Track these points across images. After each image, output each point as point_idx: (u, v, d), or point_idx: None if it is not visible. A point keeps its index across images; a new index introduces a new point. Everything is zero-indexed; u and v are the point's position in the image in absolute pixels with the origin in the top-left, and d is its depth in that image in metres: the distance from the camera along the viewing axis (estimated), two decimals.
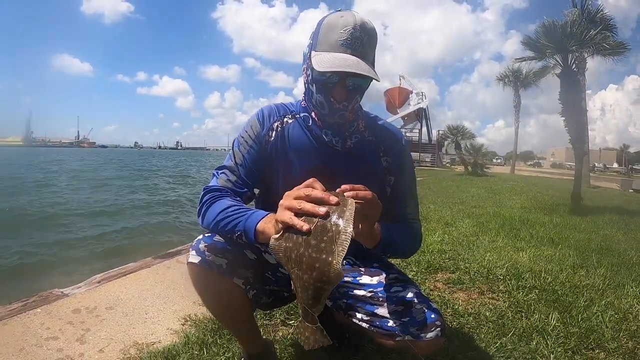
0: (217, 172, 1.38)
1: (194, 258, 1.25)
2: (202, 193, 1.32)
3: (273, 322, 2.07)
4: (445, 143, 32.12)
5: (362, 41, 1.19)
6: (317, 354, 1.71)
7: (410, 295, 1.39)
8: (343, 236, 0.91)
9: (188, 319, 2.16)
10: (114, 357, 1.79)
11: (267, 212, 1.16)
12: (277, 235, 0.98)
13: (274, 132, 1.39)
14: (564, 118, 8.61)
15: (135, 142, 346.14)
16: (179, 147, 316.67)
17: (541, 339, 1.88)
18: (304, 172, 1.34)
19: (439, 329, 1.30)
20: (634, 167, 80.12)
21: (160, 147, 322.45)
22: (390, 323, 1.34)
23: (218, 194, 1.30)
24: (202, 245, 1.26)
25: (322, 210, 0.95)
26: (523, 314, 2.18)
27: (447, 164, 40.92)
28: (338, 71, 1.19)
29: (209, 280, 1.28)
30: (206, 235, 1.30)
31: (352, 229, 0.92)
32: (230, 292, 1.32)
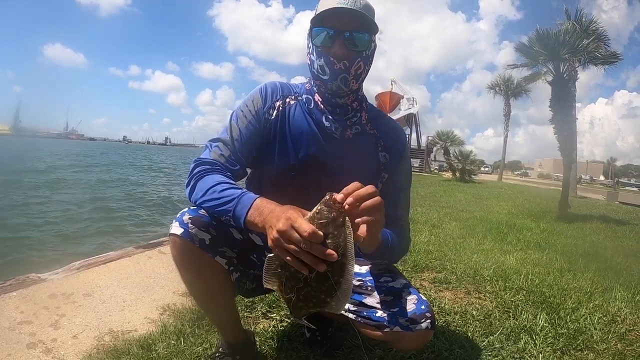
0: (210, 145, 1.31)
1: (177, 229, 1.19)
2: (192, 165, 1.25)
3: (254, 315, 2.02)
4: (434, 149, 32.24)
5: (358, 4, 1.19)
6: (300, 348, 1.66)
7: (399, 285, 1.35)
8: (344, 287, 0.92)
9: (167, 308, 2.10)
10: (88, 344, 1.73)
11: (256, 197, 1.09)
12: (272, 256, 0.95)
13: (274, 111, 1.35)
14: (553, 125, 8.65)
15: (124, 136, 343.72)
16: (168, 143, 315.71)
17: (529, 338, 1.85)
18: (300, 158, 1.32)
19: (429, 320, 1.25)
20: (620, 180, 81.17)
21: (149, 142, 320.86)
22: (379, 313, 1.30)
23: (209, 168, 1.23)
24: (186, 217, 1.20)
25: (321, 267, 0.89)
26: (510, 314, 2.14)
27: (435, 170, 41.13)
28: (334, 22, 1.19)
29: (189, 254, 1.21)
30: (192, 207, 1.24)
31: (352, 278, 0.92)
32: (211, 271, 1.25)
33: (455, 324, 1.98)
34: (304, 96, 1.35)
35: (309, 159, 1.32)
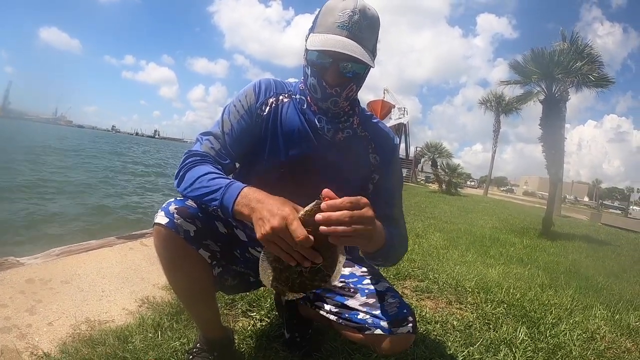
0: (201, 138, 1.30)
1: (162, 219, 1.17)
2: (183, 157, 1.23)
3: (234, 312, 1.99)
4: (422, 160, 32.44)
5: (360, 26, 1.14)
6: (278, 348, 1.65)
7: (382, 288, 1.34)
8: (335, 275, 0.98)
9: (146, 301, 2.07)
10: (63, 331, 1.70)
11: (244, 186, 1.07)
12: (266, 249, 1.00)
13: (267, 108, 1.34)
14: (542, 143, 8.75)
15: (113, 126, 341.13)
16: (157, 136, 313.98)
17: (509, 351, 1.85)
18: (290, 156, 1.32)
19: (410, 324, 1.25)
20: (604, 202, 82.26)
21: (137, 134, 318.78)
22: (361, 315, 1.29)
23: (199, 159, 1.21)
24: (172, 207, 1.18)
25: (307, 264, 0.96)
26: (491, 326, 2.15)
27: (422, 181, 41.34)
28: (331, 53, 1.15)
29: (173, 245, 1.19)
30: (178, 198, 1.23)
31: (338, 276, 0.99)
32: (193, 264, 1.24)
33: (435, 333, 1.97)
34: (298, 96, 1.34)
35: (299, 158, 1.32)
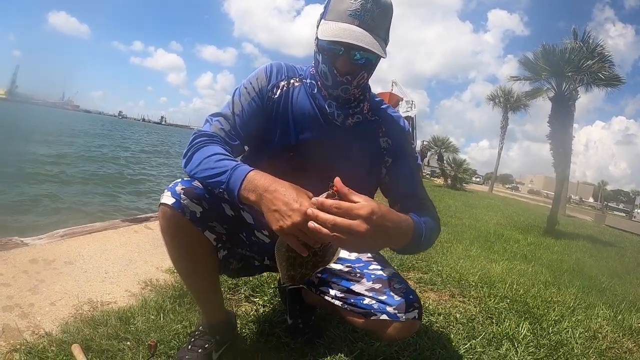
0: (211, 119, 1.29)
1: (168, 199, 1.15)
2: (191, 137, 1.22)
3: (237, 297, 2.00)
4: (429, 154, 32.40)
5: (372, 14, 1.12)
6: (281, 334, 1.64)
7: (388, 274, 1.35)
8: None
9: (149, 283, 2.08)
10: (66, 312, 1.70)
11: (251, 169, 1.06)
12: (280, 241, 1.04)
13: (278, 91, 1.33)
14: (550, 141, 8.71)
15: (120, 112, 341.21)
16: (163, 122, 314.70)
17: (511, 345, 1.84)
18: (300, 139, 1.31)
19: (417, 311, 1.26)
20: (609, 204, 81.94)
21: (144, 120, 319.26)
22: (366, 301, 1.30)
23: (207, 140, 1.20)
24: (179, 188, 1.17)
25: (317, 245, 0.99)
26: (493, 320, 2.13)
27: (427, 175, 41.30)
28: (342, 42, 1.13)
29: (178, 226, 1.18)
30: (185, 178, 1.21)
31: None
32: (198, 246, 1.23)
33: (438, 325, 1.96)
34: (308, 80, 1.33)
35: (309, 142, 1.31)
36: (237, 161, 1.12)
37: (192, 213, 1.17)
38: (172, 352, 1.41)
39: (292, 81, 1.35)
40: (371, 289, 1.31)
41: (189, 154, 1.18)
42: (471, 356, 1.71)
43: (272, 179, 1.02)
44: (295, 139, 1.31)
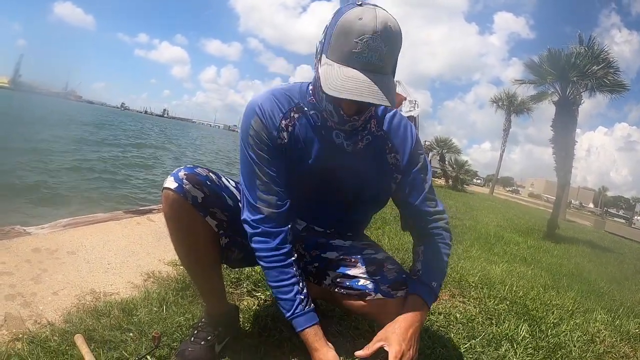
0: (254, 201, 1.24)
1: (171, 183, 1.20)
2: (251, 233, 1.26)
3: (239, 291, 2.00)
4: (430, 154, 32.41)
5: (380, 53, 1.02)
6: (283, 329, 1.65)
7: (382, 257, 1.40)
8: None
9: (151, 275, 2.09)
10: (68, 301, 1.71)
11: (304, 327, 1.22)
12: None
13: (285, 134, 1.24)
14: (553, 145, 8.71)
15: (122, 103, 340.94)
16: (166, 115, 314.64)
17: (510, 346, 1.85)
18: (312, 171, 1.30)
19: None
20: (609, 210, 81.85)
21: (146, 112, 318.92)
22: (361, 282, 1.33)
23: (269, 255, 1.25)
24: (181, 173, 1.22)
25: None
26: (493, 321, 2.14)
27: None
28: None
29: (181, 210, 1.22)
30: (188, 165, 1.26)
31: None
32: (200, 230, 1.27)
33: (438, 324, 1.97)
34: (311, 112, 1.26)
35: (321, 171, 1.30)
36: (294, 305, 1.23)
37: (193, 198, 1.21)
38: (174, 344, 1.42)
39: (292, 115, 1.26)
40: (366, 272, 1.35)
41: (263, 265, 1.27)
42: (470, 356, 1.73)
43: (320, 342, 1.21)
44: (307, 171, 1.29)
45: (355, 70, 1.02)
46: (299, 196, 1.32)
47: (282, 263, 1.24)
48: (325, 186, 1.33)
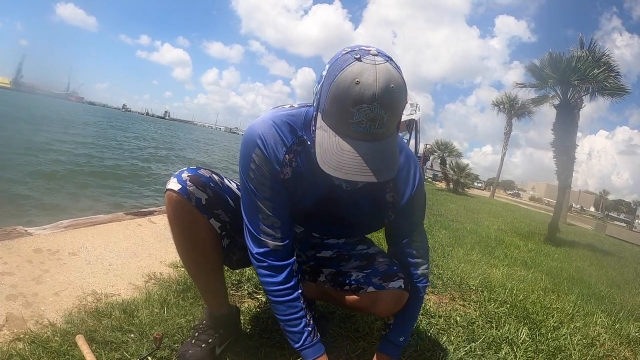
0: (258, 234, 1.23)
1: (174, 185, 1.20)
2: (258, 266, 1.26)
3: (240, 293, 2.01)
4: (431, 157, 32.39)
5: (381, 121, 0.92)
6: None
7: (374, 251, 1.43)
8: None
9: (152, 277, 2.09)
10: (69, 302, 1.71)
11: (319, 356, 1.25)
12: None
13: (289, 169, 1.20)
14: (554, 148, 8.71)
15: (124, 105, 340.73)
16: (167, 117, 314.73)
17: (510, 349, 1.86)
18: (309, 201, 1.31)
19: (401, 280, 1.30)
20: (610, 213, 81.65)
21: (147, 114, 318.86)
22: (353, 276, 1.36)
23: (275, 289, 1.25)
24: (185, 175, 1.22)
25: None
26: (493, 324, 2.15)
27: (429, 179, 41.25)
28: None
29: (184, 211, 1.22)
30: (191, 167, 1.27)
31: None
32: (203, 231, 1.27)
33: (438, 327, 1.98)
34: (312, 150, 1.15)
35: (321, 203, 1.31)
36: (302, 338, 1.25)
37: (197, 200, 1.21)
38: (175, 345, 1.43)
39: (295, 148, 1.20)
40: (358, 266, 1.38)
41: (269, 298, 1.27)
42: (471, 358, 1.73)
43: None
44: (308, 201, 1.30)
45: (353, 141, 0.94)
46: (297, 217, 1.37)
47: (290, 297, 1.24)
48: (323, 215, 1.36)
